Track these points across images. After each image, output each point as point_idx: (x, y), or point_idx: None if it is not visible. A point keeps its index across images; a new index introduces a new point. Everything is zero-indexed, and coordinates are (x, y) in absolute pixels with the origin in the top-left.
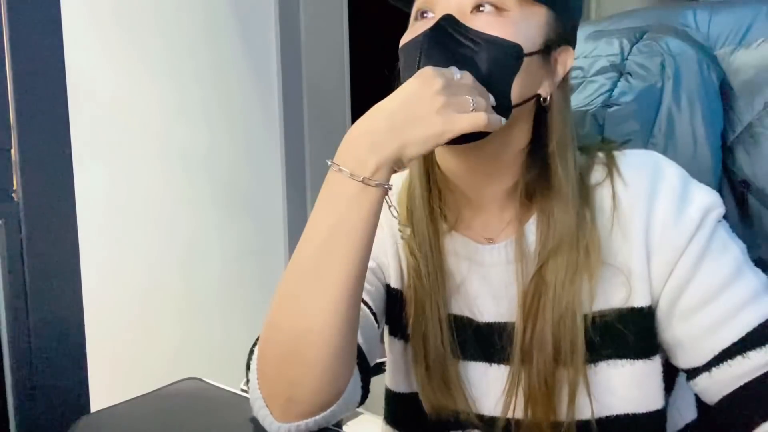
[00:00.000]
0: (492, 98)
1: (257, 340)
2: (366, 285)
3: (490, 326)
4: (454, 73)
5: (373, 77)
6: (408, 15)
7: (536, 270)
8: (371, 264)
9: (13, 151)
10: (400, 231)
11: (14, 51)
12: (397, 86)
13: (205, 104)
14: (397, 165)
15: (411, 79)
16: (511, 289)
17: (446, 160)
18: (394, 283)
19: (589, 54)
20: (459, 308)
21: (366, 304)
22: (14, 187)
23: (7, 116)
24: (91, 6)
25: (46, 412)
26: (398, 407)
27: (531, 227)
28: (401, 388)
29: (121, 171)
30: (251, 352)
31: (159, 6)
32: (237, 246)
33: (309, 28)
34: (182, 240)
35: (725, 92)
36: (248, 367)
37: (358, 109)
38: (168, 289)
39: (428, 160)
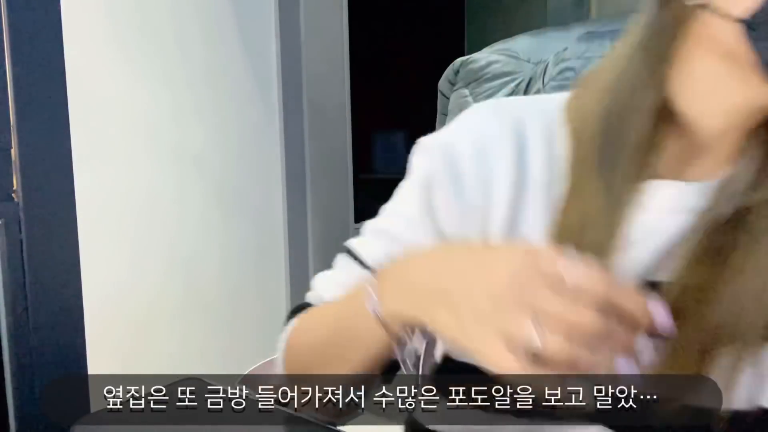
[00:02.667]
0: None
1: (296, 309)
2: None
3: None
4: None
5: (373, 77)
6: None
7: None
8: (422, 235)
9: (13, 151)
10: None
11: (14, 51)
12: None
13: (206, 104)
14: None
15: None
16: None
17: (729, 99)
18: (501, 224)
19: (582, 55)
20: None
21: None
22: (14, 187)
23: (7, 116)
24: (91, 6)
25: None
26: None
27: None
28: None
29: (122, 171)
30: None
31: (159, 6)
32: (237, 246)
33: (309, 28)
34: (182, 240)
35: None
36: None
37: (358, 109)
38: (168, 289)
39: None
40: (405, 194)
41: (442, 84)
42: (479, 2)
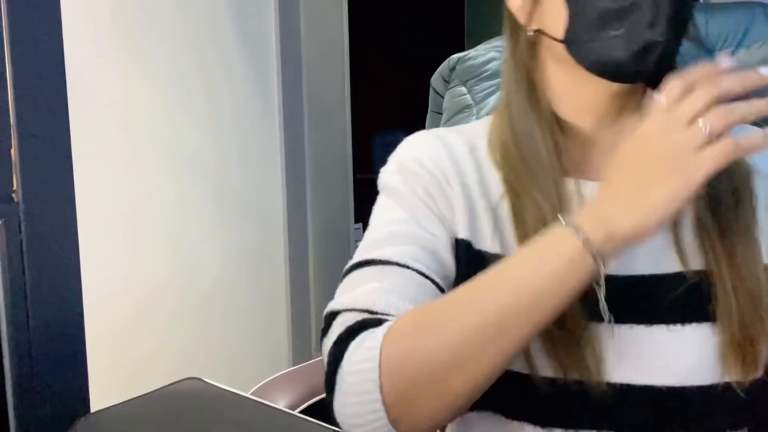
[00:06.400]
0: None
1: (337, 311)
2: (438, 258)
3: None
4: (666, 92)
5: (373, 77)
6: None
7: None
8: (440, 232)
9: (13, 151)
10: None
11: (14, 51)
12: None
13: (206, 105)
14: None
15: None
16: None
17: (584, 96)
18: (464, 234)
19: None
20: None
21: (424, 275)
22: (14, 188)
23: (7, 116)
24: (91, 6)
25: (46, 412)
26: None
27: None
28: None
29: (122, 171)
30: (333, 317)
31: (159, 6)
32: (237, 246)
33: (309, 28)
34: (183, 239)
35: None
36: (325, 334)
37: (358, 109)
38: (168, 289)
39: (541, 107)
40: (394, 203)
41: (436, 81)
42: (480, 2)
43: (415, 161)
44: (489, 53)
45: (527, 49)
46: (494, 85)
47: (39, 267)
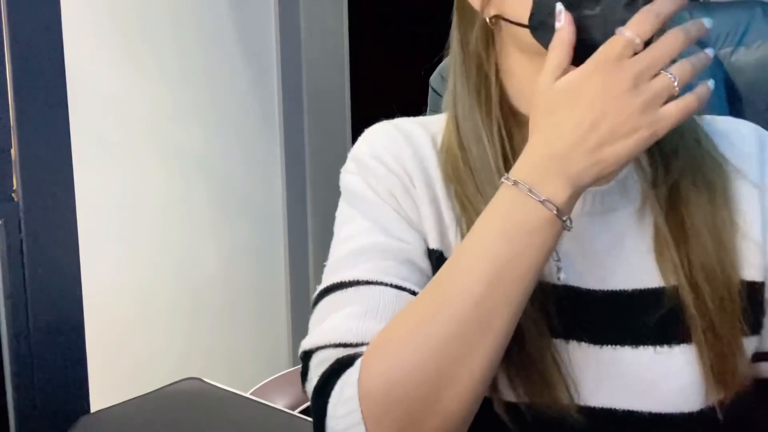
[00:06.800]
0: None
1: (311, 351)
2: (414, 266)
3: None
4: (632, 38)
5: (373, 77)
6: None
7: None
8: (411, 238)
9: (13, 151)
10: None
11: (14, 51)
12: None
13: (206, 104)
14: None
15: (586, 78)
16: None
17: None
18: (434, 244)
19: None
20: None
21: (400, 288)
22: (14, 187)
23: (7, 116)
24: (91, 6)
25: (46, 412)
26: None
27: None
28: None
29: (122, 171)
30: (308, 357)
31: (159, 6)
32: (237, 246)
33: (309, 28)
34: (183, 240)
35: (728, 92)
36: (305, 377)
37: (358, 109)
38: (168, 289)
39: (491, 102)
40: (355, 211)
41: (435, 80)
42: None
43: (374, 158)
44: None
45: (481, 38)
46: None
47: (39, 267)
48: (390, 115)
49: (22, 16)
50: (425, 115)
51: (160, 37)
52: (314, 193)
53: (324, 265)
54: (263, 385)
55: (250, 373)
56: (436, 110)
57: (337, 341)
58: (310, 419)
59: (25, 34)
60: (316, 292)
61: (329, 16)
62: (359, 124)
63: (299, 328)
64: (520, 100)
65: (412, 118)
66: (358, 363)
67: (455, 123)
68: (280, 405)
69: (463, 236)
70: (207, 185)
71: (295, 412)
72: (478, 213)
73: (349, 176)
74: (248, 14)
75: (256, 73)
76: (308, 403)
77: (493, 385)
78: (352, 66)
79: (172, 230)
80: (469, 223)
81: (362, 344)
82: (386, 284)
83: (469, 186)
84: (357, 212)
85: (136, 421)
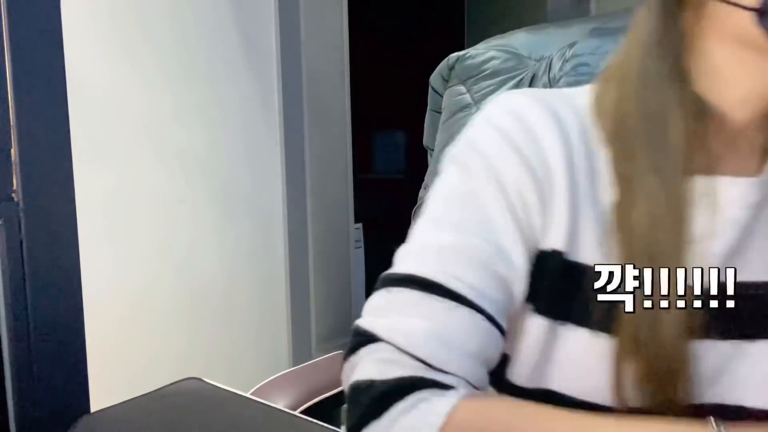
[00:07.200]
0: None
1: (376, 337)
2: (492, 286)
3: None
4: None
5: (373, 77)
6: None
7: None
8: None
9: (13, 151)
10: None
11: (14, 51)
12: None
13: (206, 104)
14: None
15: None
16: None
17: (761, 84)
18: (559, 244)
19: (595, 51)
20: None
21: (493, 321)
22: (14, 187)
23: (7, 116)
24: (91, 6)
25: (46, 412)
26: None
27: None
28: (535, 383)
29: (122, 171)
30: (368, 340)
31: (160, 7)
32: (237, 246)
33: (309, 28)
34: (183, 240)
35: None
36: (353, 353)
37: (358, 109)
38: (168, 289)
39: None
40: (468, 197)
41: (435, 80)
42: (480, 2)
43: (509, 143)
44: (488, 52)
45: (683, 15)
46: (493, 84)
47: (39, 267)
48: (390, 115)
49: (22, 16)
50: (425, 115)
51: (161, 37)
52: (314, 193)
53: (324, 266)
54: (263, 385)
55: (250, 373)
56: (436, 109)
57: (411, 352)
58: (310, 419)
59: (25, 34)
60: (394, 268)
61: (329, 16)
62: (359, 124)
63: (299, 328)
64: (712, 91)
65: (553, 92)
66: (445, 404)
67: (638, 96)
68: (280, 405)
69: (618, 214)
70: (207, 186)
71: (296, 412)
72: (647, 194)
73: (469, 156)
74: (248, 14)
75: (257, 74)
76: (308, 403)
77: (621, 393)
78: (353, 66)
79: (173, 230)
80: (628, 206)
81: (442, 371)
82: (479, 310)
83: (642, 161)
84: (470, 199)
85: (136, 420)
